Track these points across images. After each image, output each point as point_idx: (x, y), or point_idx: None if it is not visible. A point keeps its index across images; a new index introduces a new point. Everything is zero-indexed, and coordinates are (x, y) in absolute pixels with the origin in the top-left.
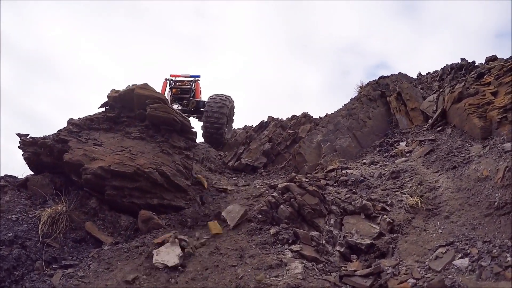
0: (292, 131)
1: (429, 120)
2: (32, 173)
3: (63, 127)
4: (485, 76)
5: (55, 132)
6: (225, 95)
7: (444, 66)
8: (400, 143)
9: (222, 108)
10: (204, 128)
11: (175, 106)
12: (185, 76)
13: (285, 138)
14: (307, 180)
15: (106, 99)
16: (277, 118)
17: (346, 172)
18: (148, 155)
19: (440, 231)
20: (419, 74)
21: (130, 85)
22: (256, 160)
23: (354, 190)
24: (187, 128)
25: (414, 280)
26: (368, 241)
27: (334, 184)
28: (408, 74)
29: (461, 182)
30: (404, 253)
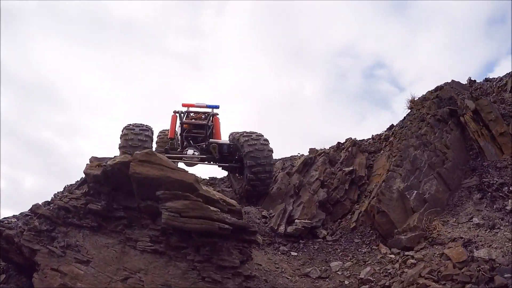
0: (347, 169)
1: None
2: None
3: (27, 215)
4: None
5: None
6: (258, 133)
7: None
8: (511, 189)
9: (263, 151)
10: (248, 185)
11: (189, 152)
12: (201, 106)
13: (342, 180)
14: None
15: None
16: (324, 151)
17: (489, 259)
18: None
19: None
20: (470, 80)
21: (119, 155)
22: (313, 218)
23: None
24: (243, 227)
25: None
26: None
27: None
28: (461, 81)
29: None
30: None
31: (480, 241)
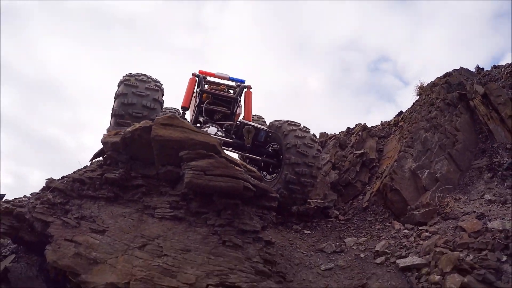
0: (358, 152)
1: None
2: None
3: (39, 193)
4: None
5: (36, 194)
6: (305, 126)
7: None
8: None
9: (317, 158)
10: (284, 189)
11: (211, 130)
12: (223, 78)
13: (353, 162)
14: (473, 260)
15: (101, 145)
16: (334, 135)
17: (503, 229)
18: (198, 255)
19: None
20: (478, 67)
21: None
22: (325, 198)
23: None
24: (264, 191)
25: None
26: None
27: (507, 259)
28: (469, 69)
29: None
30: None
31: (493, 215)
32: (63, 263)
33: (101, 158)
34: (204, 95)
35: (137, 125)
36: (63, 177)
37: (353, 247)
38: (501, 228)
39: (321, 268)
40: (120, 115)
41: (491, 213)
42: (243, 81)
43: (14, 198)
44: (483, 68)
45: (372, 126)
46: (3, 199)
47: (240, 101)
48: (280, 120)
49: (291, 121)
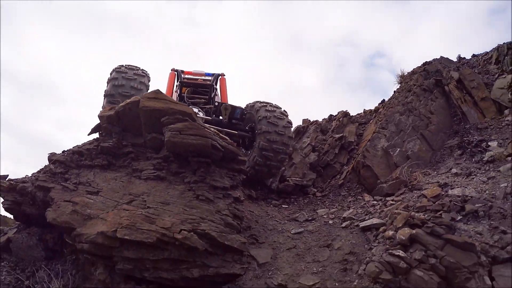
0: (337, 136)
1: (506, 111)
2: (17, 223)
3: (43, 167)
4: None
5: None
6: (276, 104)
7: (498, 46)
8: (489, 144)
9: (287, 128)
10: (259, 156)
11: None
12: (199, 75)
13: (332, 145)
14: (426, 217)
15: (98, 121)
16: (316, 121)
17: (462, 195)
18: (175, 207)
19: None
20: (459, 57)
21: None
22: (304, 177)
23: (502, 228)
24: (233, 154)
25: None
26: None
27: (461, 218)
28: (450, 58)
29: None
30: None
31: (456, 185)
32: (62, 219)
33: (97, 134)
34: (184, 88)
35: (128, 100)
36: (63, 151)
37: (323, 216)
38: (460, 194)
39: (292, 232)
40: (111, 95)
41: (454, 183)
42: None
43: (17, 178)
44: (464, 58)
45: (355, 114)
46: (7, 179)
47: (216, 88)
48: (254, 101)
49: (263, 100)
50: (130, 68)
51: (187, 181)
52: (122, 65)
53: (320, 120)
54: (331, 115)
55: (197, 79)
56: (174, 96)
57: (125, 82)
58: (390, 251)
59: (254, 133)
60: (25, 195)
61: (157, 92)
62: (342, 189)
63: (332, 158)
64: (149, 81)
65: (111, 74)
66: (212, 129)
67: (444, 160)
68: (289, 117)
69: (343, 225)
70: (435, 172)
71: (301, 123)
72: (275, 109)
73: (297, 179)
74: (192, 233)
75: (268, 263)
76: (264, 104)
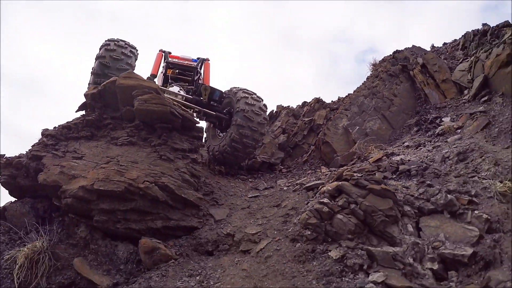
0: (307, 119)
1: (465, 91)
2: (14, 199)
3: (37, 141)
4: None
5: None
6: (258, 96)
7: (465, 34)
8: (443, 119)
9: (262, 125)
10: (228, 146)
11: (174, 89)
12: (186, 60)
13: (301, 127)
14: (359, 175)
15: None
16: (288, 106)
17: (401, 159)
18: (142, 165)
19: None
20: (433, 46)
21: None
22: (273, 156)
23: (428, 183)
24: (190, 123)
25: None
26: (470, 250)
27: (394, 177)
28: (422, 47)
29: None
30: None
31: (402, 153)
32: (51, 179)
33: (83, 112)
34: (169, 70)
35: (107, 81)
36: (54, 127)
37: (281, 184)
38: (399, 159)
39: (248, 196)
40: (97, 74)
41: (401, 153)
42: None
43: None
44: (437, 46)
45: (329, 102)
46: (4, 157)
47: (200, 72)
48: (238, 87)
49: (246, 89)
50: (119, 45)
51: (153, 145)
52: (112, 40)
53: (294, 106)
54: (304, 101)
55: (183, 62)
56: (160, 76)
57: (112, 64)
58: (319, 200)
59: (232, 117)
60: (20, 169)
61: (130, 72)
62: (305, 165)
63: (301, 139)
64: (136, 60)
65: (100, 49)
66: (171, 100)
67: (402, 137)
68: (265, 113)
69: (294, 189)
70: (390, 147)
71: (274, 108)
72: (255, 102)
73: (265, 156)
74: (153, 184)
75: (223, 219)
76: (246, 95)
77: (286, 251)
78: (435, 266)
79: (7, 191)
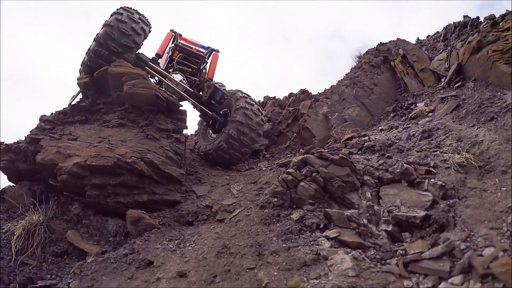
0: (292, 109)
1: (442, 79)
2: (12, 184)
3: (35, 126)
4: (501, 23)
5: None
6: (254, 99)
7: (447, 25)
8: (417, 105)
9: (260, 125)
10: (225, 142)
11: (177, 77)
12: (196, 44)
13: (286, 116)
14: (326, 150)
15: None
16: (274, 97)
17: (369, 138)
18: (130, 143)
19: (504, 188)
20: (418, 39)
21: None
22: (257, 143)
23: (388, 155)
24: (174, 106)
25: (503, 253)
26: (422, 213)
27: (359, 152)
28: (406, 39)
29: (507, 132)
30: (470, 221)
31: (374, 136)
32: (48, 158)
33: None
34: (176, 53)
35: (100, 70)
36: (52, 113)
37: (261, 166)
38: (367, 138)
39: (229, 175)
40: (100, 43)
41: (372, 135)
42: (216, 51)
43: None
44: (422, 39)
45: (316, 93)
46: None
47: (207, 62)
48: (234, 89)
49: (244, 92)
50: (131, 18)
51: (140, 126)
52: (126, 11)
53: (281, 98)
54: (291, 93)
55: (191, 48)
56: (165, 56)
57: (118, 37)
58: (286, 171)
59: (227, 120)
60: (18, 153)
61: (121, 61)
62: (287, 150)
63: (285, 127)
64: (145, 38)
65: (110, 16)
66: (157, 86)
67: (379, 123)
68: (263, 115)
69: (271, 168)
70: (366, 131)
71: (262, 99)
72: (253, 103)
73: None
74: (139, 159)
75: (204, 195)
76: (245, 95)
77: (255, 216)
78: (389, 228)
79: (5, 178)
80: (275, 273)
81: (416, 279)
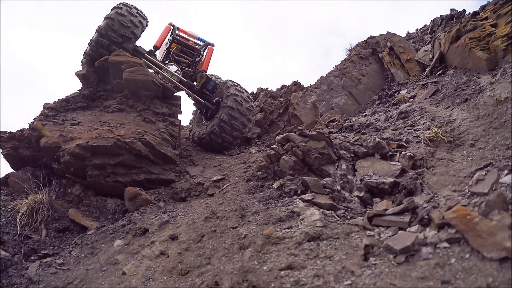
0: (283, 99)
1: (427, 69)
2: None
3: (39, 113)
4: (480, 13)
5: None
6: (248, 92)
7: (434, 19)
8: (400, 92)
9: (250, 111)
10: (217, 126)
11: (172, 68)
12: (194, 36)
13: (277, 106)
14: (308, 130)
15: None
16: (266, 88)
17: (350, 120)
18: (128, 126)
19: (470, 158)
20: (408, 32)
21: None
22: (250, 131)
23: (363, 131)
24: (169, 92)
25: (461, 206)
26: (391, 179)
27: (338, 132)
28: (396, 33)
29: (478, 111)
30: (435, 186)
31: (357, 120)
32: (51, 141)
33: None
34: (174, 44)
35: (101, 59)
36: (54, 101)
37: (251, 150)
38: (352, 122)
39: (221, 158)
40: (101, 34)
41: (356, 120)
42: (211, 44)
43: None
44: (412, 33)
45: (307, 86)
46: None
47: (202, 55)
48: (234, 82)
49: (235, 81)
50: (130, 13)
51: (138, 110)
52: (125, 6)
53: (274, 89)
54: (283, 84)
55: (189, 40)
56: (163, 48)
57: (118, 28)
58: (270, 147)
59: (218, 107)
60: (22, 140)
61: (120, 51)
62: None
63: (276, 116)
64: (142, 31)
65: (111, 10)
66: (153, 72)
67: (365, 110)
68: (252, 102)
69: (260, 151)
70: (351, 117)
71: (255, 90)
72: (243, 91)
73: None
74: (137, 140)
75: (197, 175)
76: (236, 84)
77: (241, 188)
78: (361, 194)
79: (5, 168)
80: (254, 227)
81: (378, 230)
